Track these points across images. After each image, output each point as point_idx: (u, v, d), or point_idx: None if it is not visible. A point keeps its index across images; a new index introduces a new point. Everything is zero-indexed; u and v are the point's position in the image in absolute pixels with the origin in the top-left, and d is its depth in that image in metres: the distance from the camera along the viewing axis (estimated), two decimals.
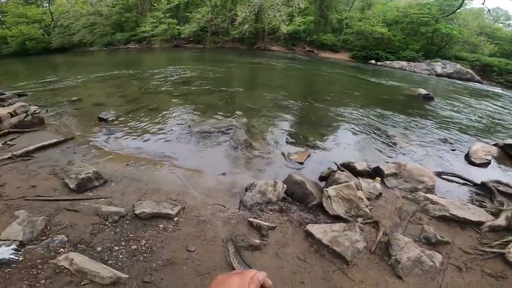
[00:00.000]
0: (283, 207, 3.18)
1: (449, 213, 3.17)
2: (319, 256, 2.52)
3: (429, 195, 3.52)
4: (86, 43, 26.11)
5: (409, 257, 2.46)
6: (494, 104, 10.93)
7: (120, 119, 5.94)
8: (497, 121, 8.20)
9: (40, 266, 2.14)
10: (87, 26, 25.48)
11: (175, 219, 2.82)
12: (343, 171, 4.00)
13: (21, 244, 2.33)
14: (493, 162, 5.22)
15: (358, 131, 6.34)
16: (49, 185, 3.26)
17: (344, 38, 25.83)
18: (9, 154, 3.88)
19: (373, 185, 3.68)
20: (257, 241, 2.59)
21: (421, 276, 2.39)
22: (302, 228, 2.82)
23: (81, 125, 5.59)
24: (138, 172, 3.75)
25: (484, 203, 3.73)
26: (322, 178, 4.11)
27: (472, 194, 4.08)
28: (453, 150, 5.73)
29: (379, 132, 6.34)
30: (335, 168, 4.21)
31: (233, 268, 2.26)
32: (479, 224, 3.13)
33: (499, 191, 4.00)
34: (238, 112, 6.78)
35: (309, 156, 4.81)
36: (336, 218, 3.03)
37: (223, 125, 5.82)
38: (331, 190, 3.24)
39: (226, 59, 18.45)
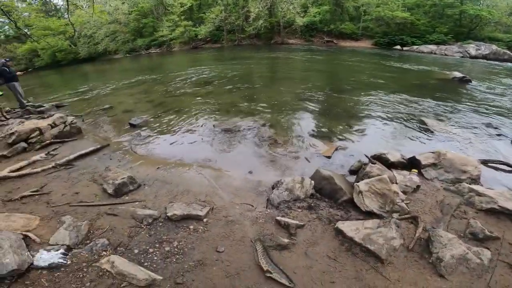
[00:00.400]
0: (312, 204, 3.13)
1: (498, 206, 2.90)
2: (351, 254, 2.46)
3: (474, 186, 3.25)
4: (110, 51, 27.55)
5: (453, 254, 2.31)
6: None
7: (148, 124, 6.21)
8: None
9: (85, 270, 2.30)
10: (109, 35, 26.85)
11: (205, 220, 2.90)
12: (374, 163, 3.78)
13: (68, 248, 2.51)
14: None
15: (388, 120, 6.01)
16: (90, 191, 3.48)
17: (364, 26, 24.74)
18: (53, 164, 4.20)
19: (409, 178, 3.48)
20: (286, 240, 2.58)
21: (466, 274, 2.24)
22: (332, 225, 2.77)
23: (114, 132, 5.94)
24: (168, 174, 3.89)
25: None
26: (352, 172, 3.99)
27: None
28: (498, 135, 5.20)
29: (412, 119, 5.94)
30: (365, 160, 4.00)
31: (262, 269, 2.28)
32: None
33: None
34: (260, 109, 6.77)
35: (336, 149, 4.67)
36: (369, 214, 2.93)
37: (247, 122, 5.86)
38: (362, 185, 3.12)
39: (244, 56, 18.46)
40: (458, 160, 3.75)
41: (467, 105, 7.02)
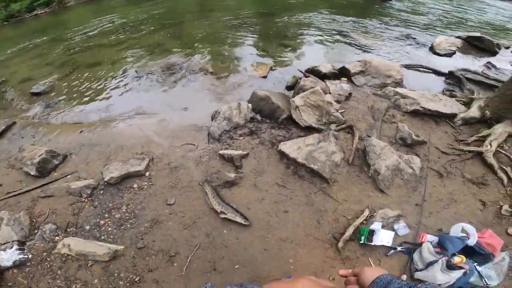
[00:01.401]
0: (253, 129, 3.09)
1: (421, 107, 3.12)
2: (298, 178, 2.56)
3: (399, 89, 3.46)
4: None
5: (387, 165, 2.46)
6: (451, 4, 9.91)
7: (56, 88, 5.17)
8: (456, 19, 7.74)
9: (49, 259, 2.19)
10: None
11: (147, 174, 2.76)
12: (308, 76, 3.84)
13: (21, 243, 2.32)
14: (458, 53, 5.19)
15: (319, 37, 6.04)
16: (13, 179, 3.05)
17: None
18: None
19: (340, 86, 3.56)
20: (232, 175, 2.58)
21: (402, 188, 2.45)
22: (276, 148, 2.80)
23: (17, 107, 4.88)
24: (95, 136, 3.47)
25: (455, 93, 3.71)
26: (288, 88, 4.03)
27: (441, 84, 4.08)
28: (417, 44, 5.70)
29: (340, 35, 6.10)
30: (300, 75, 4.05)
31: (216, 211, 2.31)
32: (452, 116, 3.08)
33: (467, 79, 3.95)
34: (189, 43, 6.02)
35: (271, 69, 4.58)
36: (309, 130, 3.00)
37: (175, 60, 5.22)
38: (297, 99, 3.10)
39: None
40: (383, 66, 4.00)
41: (390, 20, 7.24)
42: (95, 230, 2.36)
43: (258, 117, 3.32)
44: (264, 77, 4.39)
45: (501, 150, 2.72)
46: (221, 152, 2.81)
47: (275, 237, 2.19)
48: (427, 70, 4.49)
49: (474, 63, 4.89)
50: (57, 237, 2.34)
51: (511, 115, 2.87)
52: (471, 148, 2.74)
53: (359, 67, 4.01)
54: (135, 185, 2.67)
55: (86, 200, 2.62)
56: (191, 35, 6.68)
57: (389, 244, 2.07)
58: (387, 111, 3.23)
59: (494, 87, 3.58)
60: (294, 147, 2.70)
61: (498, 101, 2.96)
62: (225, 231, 2.23)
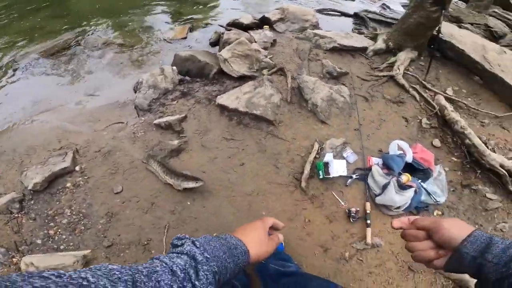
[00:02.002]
0: (185, 90, 2.85)
1: (338, 44, 3.37)
2: (244, 127, 2.48)
3: (317, 31, 3.66)
4: None
5: (322, 97, 2.57)
6: None
7: None
8: None
9: None
10: None
11: (77, 168, 2.33)
12: (230, 30, 3.71)
13: None
14: None
15: None
16: None
17: None
18: None
19: (264, 34, 3.52)
20: (175, 141, 2.37)
21: (339, 116, 2.57)
22: (214, 104, 2.65)
23: None
24: None
25: (362, 30, 4.23)
26: (212, 45, 3.88)
27: (350, 24, 4.60)
28: None
29: None
30: (222, 30, 3.88)
31: (171, 185, 2.12)
32: (364, 50, 3.43)
33: (369, 18, 4.56)
34: (80, 19, 4.91)
35: (190, 29, 4.27)
36: (243, 79, 2.91)
37: (66, 39, 4.24)
38: (225, 52, 2.96)
39: None
40: (299, 12, 4.22)
41: None
42: (50, 242, 1.98)
43: (188, 78, 3.09)
44: (184, 38, 4.10)
45: (408, 72, 3.15)
46: (156, 121, 2.53)
47: (240, 193, 2.13)
48: (336, 13, 5.01)
49: (373, 5, 5.56)
50: (14, 259, 1.92)
51: (409, 44, 3.34)
52: (385, 73, 3.13)
53: (278, 15, 4.10)
54: (69, 184, 2.24)
55: (19, 215, 2.13)
56: (79, 12, 5.48)
57: (345, 174, 2.18)
58: (310, 51, 3.38)
59: (391, 24, 4.16)
60: (232, 98, 2.61)
61: (396, 34, 3.42)
62: (188, 203, 2.08)
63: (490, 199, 2.19)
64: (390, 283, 1.85)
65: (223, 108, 2.59)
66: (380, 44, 3.47)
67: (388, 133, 2.55)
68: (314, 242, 1.96)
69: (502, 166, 2.23)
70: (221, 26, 4.11)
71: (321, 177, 2.16)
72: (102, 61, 3.76)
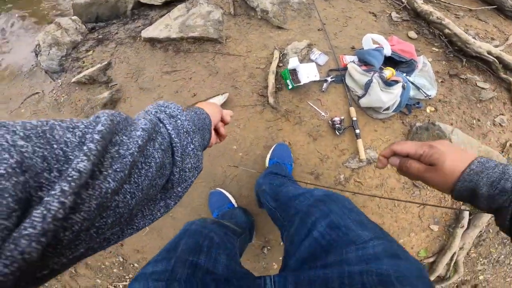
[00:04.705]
0: (100, 37, 2.24)
1: None
2: (185, 54, 1.98)
3: None
4: None
5: (271, 1, 2.08)
6: None
7: None
8: None
9: None
10: None
11: None
12: None
13: None
14: None
15: None
16: None
17: None
18: None
19: None
20: (105, 93, 1.86)
21: (298, 18, 2.12)
22: (140, 40, 2.10)
23: None
24: None
25: None
26: None
27: None
28: None
29: None
30: None
31: None
32: None
33: None
34: None
35: None
36: (169, 4, 2.32)
37: None
38: None
39: None
40: None
41: None
42: None
43: (101, 24, 2.43)
44: None
45: None
46: (74, 79, 1.98)
47: None
48: None
49: None
50: None
51: None
52: None
53: None
54: None
55: None
56: None
57: (318, 78, 1.78)
58: None
59: None
60: (161, 27, 2.06)
61: None
62: None
63: (483, 88, 1.93)
64: (397, 204, 1.62)
65: (152, 41, 2.06)
66: None
67: (357, 29, 2.16)
68: (302, 169, 1.64)
69: (489, 53, 1.97)
70: None
71: (290, 87, 1.77)
72: None
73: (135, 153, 0.33)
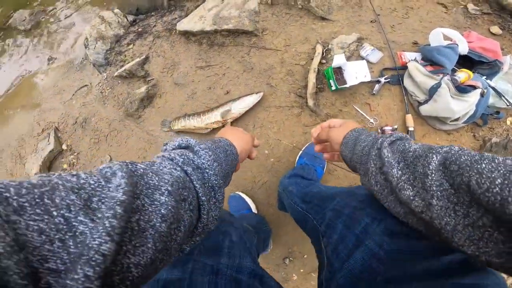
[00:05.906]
0: (139, 30, 2.24)
1: None
2: (219, 48, 1.88)
3: None
4: None
5: None
6: None
7: None
8: None
9: None
10: None
11: (64, 146, 2.09)
12: None
13: None
14: None
15: None
16: None
17: None
18: None
19: None
20: (142, 88, 1.87)
21: (345, 7, 1.84)
22: (175, 33, 2.05)
23: None
24: None
25: None
26: None
27: None
28: None
29: None
30: None
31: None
32: None
33: None
34: None
35: None
36: None
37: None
38: None
39: None
40: None
41: None
42: None
43: (141, 16, 2.47)
44: None
45: None
46: (116, 73, 2.04)
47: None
48: None
49: None
50: None
51: None
52: None
53: None
54: (65, 166, 2.02)
55: None
56: None
57: (368, 78, 1.51)
58: None
59: None
60: (195, 20, 1.97)
61: None
62: None
63: None
64: None
65: (187, 34, 1.99)
66: None
67: (421, 22, 1.80)
68: (340, 183, 1.48)
69: None
70: None
71: (333, 88, 1.56)
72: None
73: (157, 225, 0.32)
